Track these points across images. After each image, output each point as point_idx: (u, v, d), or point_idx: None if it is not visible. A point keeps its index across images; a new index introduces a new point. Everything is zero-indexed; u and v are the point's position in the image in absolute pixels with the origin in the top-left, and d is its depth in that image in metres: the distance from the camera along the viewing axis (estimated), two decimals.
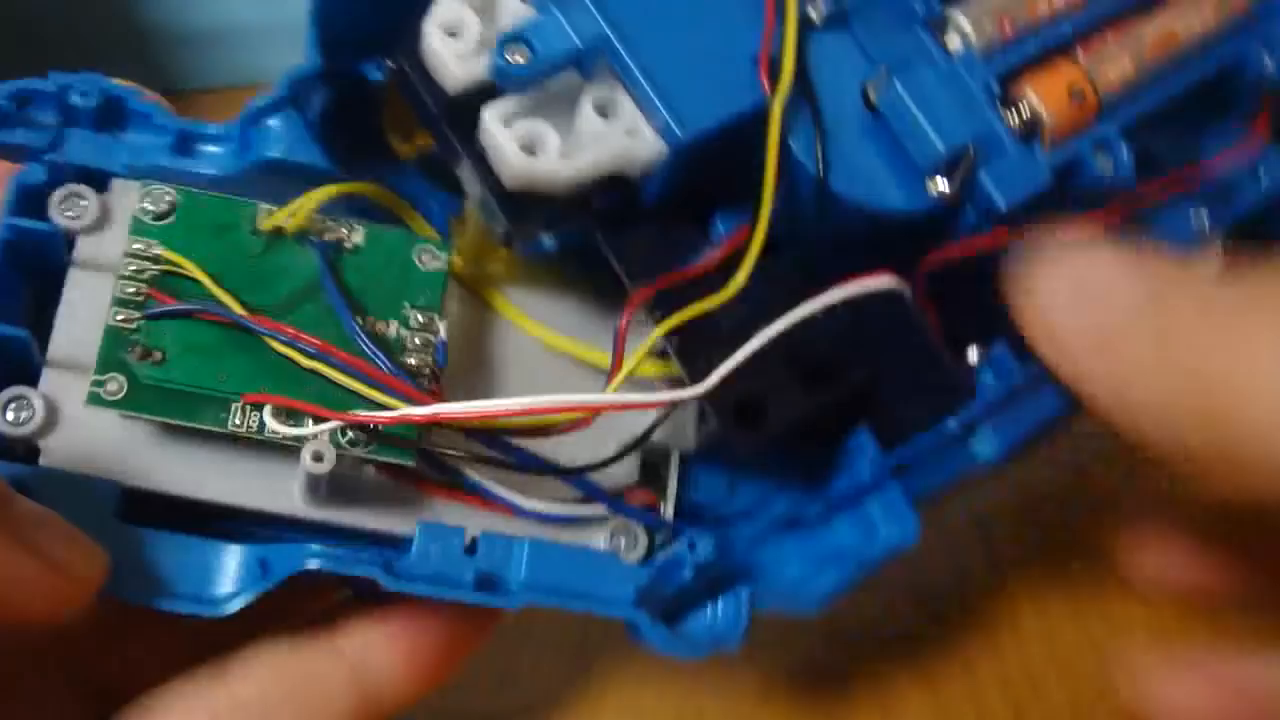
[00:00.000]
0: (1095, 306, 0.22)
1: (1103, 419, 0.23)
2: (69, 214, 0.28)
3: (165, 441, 0.27)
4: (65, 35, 0.50)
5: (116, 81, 0.29)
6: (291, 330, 0.26)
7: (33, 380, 0.27)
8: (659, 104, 0.25)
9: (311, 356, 0.26)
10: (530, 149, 0.26)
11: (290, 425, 0.26)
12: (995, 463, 0.27)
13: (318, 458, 0.26)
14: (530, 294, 0.30)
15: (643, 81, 0.25)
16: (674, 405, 0.27)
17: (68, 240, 0.28)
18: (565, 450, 0.28)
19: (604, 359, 0.29)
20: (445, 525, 0.27)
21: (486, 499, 0.28)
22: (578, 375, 0.30)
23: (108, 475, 0.27)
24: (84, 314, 0.28)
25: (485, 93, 0.26)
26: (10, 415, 0.27)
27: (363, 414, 0.26)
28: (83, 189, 0.28)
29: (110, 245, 0.28)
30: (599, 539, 0.28)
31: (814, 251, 0.27)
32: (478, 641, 0.29)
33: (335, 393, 0.26)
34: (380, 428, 0.26)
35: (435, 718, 0.32)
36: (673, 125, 0.25)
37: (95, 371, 0.26)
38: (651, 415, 0.28)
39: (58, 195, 0.28)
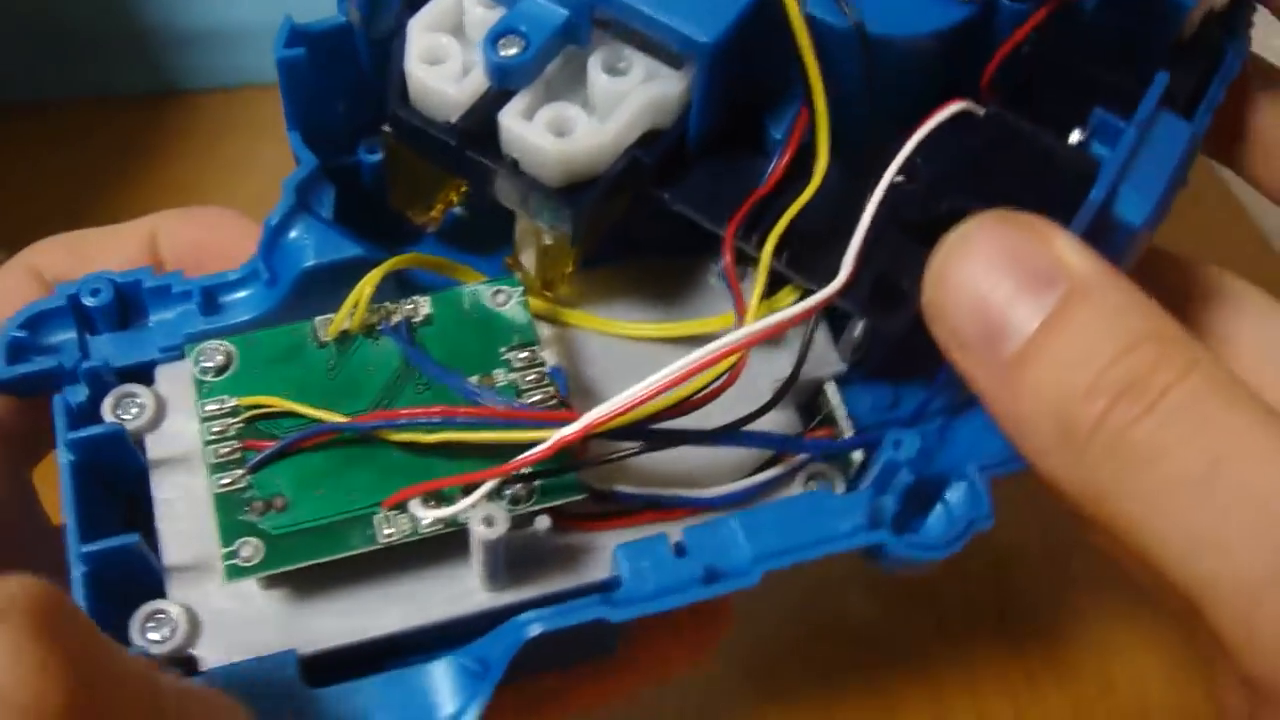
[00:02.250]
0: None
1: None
2: (126, 417, 0.26)
3: (316, 597, 0.25)
4: (65, 35, 0.50)
5: (117, 271, 0.27)
6: (405, 411, 0.24)
7: (157, 588, 0.25)
8: (675, 24, 0.24)
9: (437, 428, 0.24)
10: (561, 132, 0.25)
11: (442, 508, 0.24)
12: (1147, 224, 0.24)
13: (489, 522, 0.23)
14: (601, 303, 0.29)
15: (648, 12, 0.24)
16: (817, 316, 0.25)
17: (135, 439, 0.26)
18: (714, 423, 0.26)
19: (699, 327, 0.28)
20: (642, 540, 0.24)
21: (663, 509, 0.26)
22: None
23: (276, 651, 0.24)
24: (182, 508, 0.25)
25: (491, 105, 0.25)
26: (153, 635, 0.24)
27: (515, 460, 0.23)
28: (132, 388, 0.26)
29: (179, 431, 0.26)
30: (795, 486, 0.26)
31: (870, 123, 0.26)
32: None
33: (471, 461, 0.24)
34: (536, 474, 0.24)
35: None
36: (696, 37, 0.24)
37: (222, 545, 0.24)
38: (788, 355, 0.27)
39: (109, 403, 0.26)
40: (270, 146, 0.41)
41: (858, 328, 0.26)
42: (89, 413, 0.26)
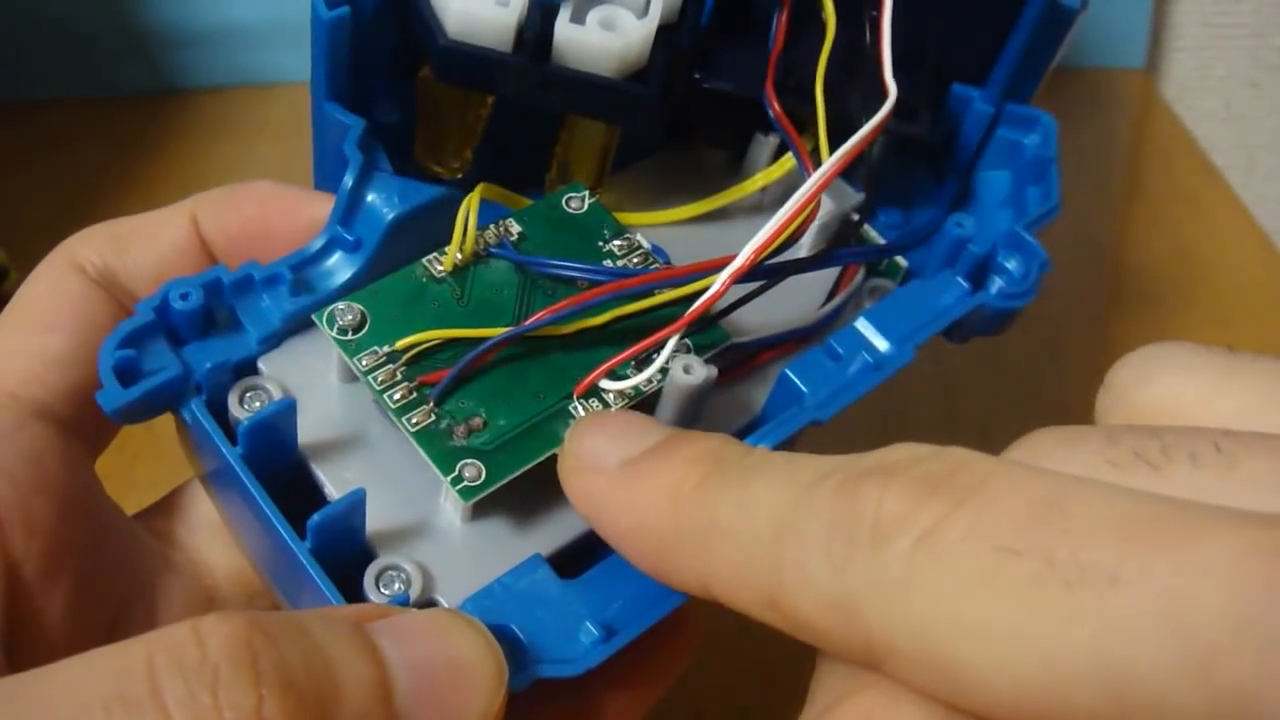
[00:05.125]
0: None
1: None
2: (256, 407, 0.25)
3: (518, 512, 0.26)
4: (66, 35, 0.49)
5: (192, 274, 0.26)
6: (567, 300, 0.26)
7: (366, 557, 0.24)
8: None
9: (607, 305, 0.26)
10: (610, 27, 0.27)
11: (635, 375, 0.25)
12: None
13: (688, 369, 0.25)
14: (640, 199, 0.31)
15: None
16: (889, 118, 0.28)
17: None
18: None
19: (725, 198, 0.31)
20: (799, 358, 0.27)
21: (776, 346, 0.29)
22: (741, 221, 0.31)
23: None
24: (353, 478, 0.25)
25: (536, 22, 0.27)
26: (388, 591, 0.24)
27: (697, 304, 0.25)
28: (251, 380, 0.26)
29: (314, 412, 0.26)
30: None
31: None
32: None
33: (630, 339, 0.26)
34: (686, 335, 0.26)
35: None
36: None
37: (444, 474, 0.24)
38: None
39: (233, 399, 0.25)
40: (270, 146, 0.43)
41: (872, 152, 0.30)
42: (220, 419, 0.25)
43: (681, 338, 0.26)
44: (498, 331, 0.26)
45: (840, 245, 0.31)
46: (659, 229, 0.31)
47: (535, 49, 0.27)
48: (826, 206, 0.30)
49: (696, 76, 0.29)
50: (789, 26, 0.29)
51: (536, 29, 0.27)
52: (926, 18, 0.30)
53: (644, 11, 0.27)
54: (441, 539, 0.25)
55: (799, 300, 0.30)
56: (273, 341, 0.26)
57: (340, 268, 0.27)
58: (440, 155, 0.30)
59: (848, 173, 0.28)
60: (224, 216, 0.27)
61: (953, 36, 0.31)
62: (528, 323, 0.26)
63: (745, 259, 0.25)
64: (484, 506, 0.25)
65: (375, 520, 0.25)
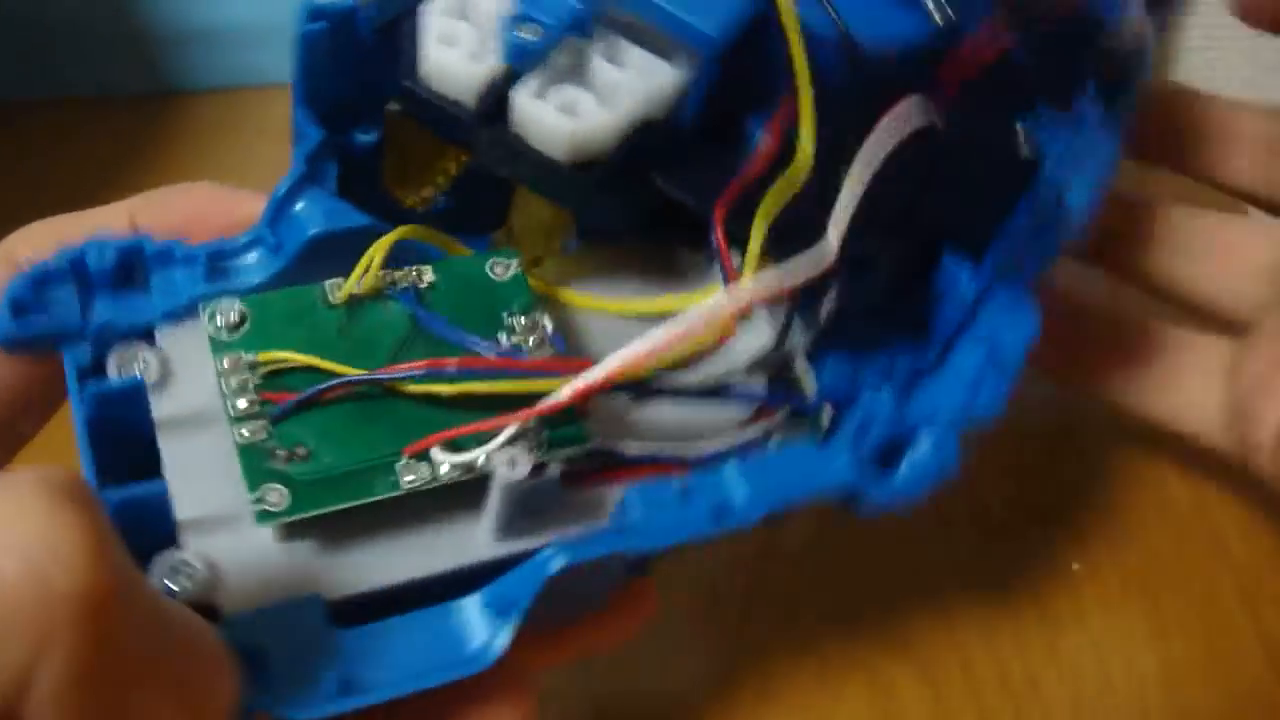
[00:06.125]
0: None
1: None
2: (131, 375, 0.27)
3: (334, 549, 0.26)
4: (66, 35, 0.50)
5: (121, 236, 0.28)
6: (423, 362, 0.26)
7: (171, 543, 0.25)
8: (685, 18, 0.26)
9: (456, 379, 0.26)
10: (570, 112, 0.27)
11: (464, 454, 0.25)
12: (1091, 209, 0.28)
13: (512, 464, 0.25)
14: (586, 283, 0.31)
15: (662, 4, 0.26)
16: (806, 284, 0.27)
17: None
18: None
19: (683, 302, 0.30)
20: (651, 484, 0.26)
21: (660, 464, 0.28)
22: None
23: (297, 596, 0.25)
24: (191, 465, 0.26)
25: (502, 85, 0.27)
26: (172, 584, 0.25)
27: (540, 405, 0.25)
28: (137, 346, 0.27)
29: (185, 391, 0.27)
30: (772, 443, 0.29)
31: (847, 120, 0.29)
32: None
33: (485, 413, 0.26)
34: (544, 427, 0.26)
35: None
36: (706, 30, 0.26)
37: (250, 491, 0.25)
38: (755, 334, 0.29)
39: (114, 361, 0.27)
40: (269, 146, 0.41)
41: (826, 302, 0.29)
42: (93, 372, 0.27)
43: (541, 430, 0.26)
44: (357, 372, 0.26)
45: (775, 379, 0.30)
46: (606, 318, 0.30)
47: (492, 110, 0.27)
48: (759, 339, 0.29)
49: (658, 179, 0.28)
50: (775, 155, 0.28)
51: (499, 91, 0.27)
52: (926, 174, 0.28)
53: (609, 100, 0.27)
54: (248, 549, 0.26)
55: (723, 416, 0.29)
56: (176, 317, 0.28)
57: (257, 267, 0.28)
58: (403, 186, 0.30)
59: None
60: (162, 214, 0.29)
61: (955, 200, 0.29)
62: (382, 372, 0.26)
63: (604, 374, 0.25)
64: (299, 531, 0.26)
65: (194, 507, 0.26)
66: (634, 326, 0.30)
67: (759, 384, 0.29)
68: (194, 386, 0.27)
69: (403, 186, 0.30)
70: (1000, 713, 0.37)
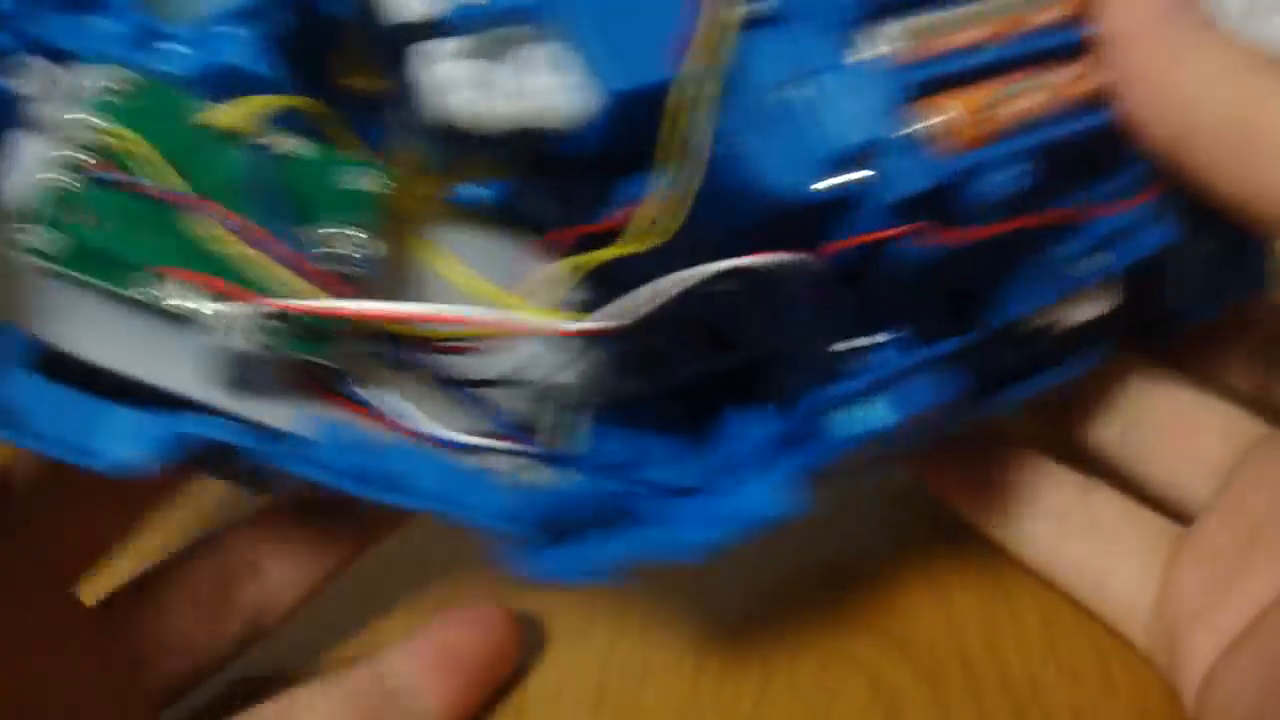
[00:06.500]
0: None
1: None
2: (18, 80, 0.29)
3: (75, 301, 0.28)
4: None
5: None
6: (217, 206, 0.28)
7: None
8: (587, 63, 0.27)
9: (233, 233, 0.27)
10: (476, 86, 0.28)
11: (197, 303, 0.27)
12: (885, 431, 0.28)
13: (223, 325, 0.27)
14: (454, 235, 0.32)
15: (575, 39, 0.27)
16: (574, 334, 0.28)
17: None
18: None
19: (519, 302, 0.31)
20: (349, 425, 0.28)
21: (390, 419, 0.29)
22: None
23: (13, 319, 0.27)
24: (27, 172, 0.28)
25: (436, 29, 0.28)
26: None
27: (281, 301, 0.27)
28: (38, 59, 0.29)
29: (61, 115, 0.29)
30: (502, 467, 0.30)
31: (721, 230, 0.29)
32: (504, 670, 0.35)
33: (250, 283, 0.28)
34: (298, 319, 0.27)
35: None
36: (595, 85, 0.27)
37: (22, 220, 0.27)
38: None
39: (11, 61, 0.29)
40: None
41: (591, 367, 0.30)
42: None
43: (282, 323, 0.27)
44: (176, 181, 0.28)
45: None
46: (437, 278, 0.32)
47: (404, 45, 0.28)
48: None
49: (517, 183, 0.30)
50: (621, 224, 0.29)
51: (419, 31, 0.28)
52: (775, 326, 0.29)
53: (513, 94, 0.28)
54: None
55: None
56: (92, 59, 0.30)
57: (176, 58, 0.29)
58: (347, 65, 0.32)
59: None
60: None
61: (795, 360, 0.30)
62: (189, 198, 0.28)
63: (335, 307, 0.26)
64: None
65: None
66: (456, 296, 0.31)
67: (518, 406, 0.31)
68: (74, 113, 0.29)
69: (350, 67, 0.32)
70: (1000, 713, 0.37)
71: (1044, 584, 0.39)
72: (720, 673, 0.38)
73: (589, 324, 0.27)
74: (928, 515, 0.41)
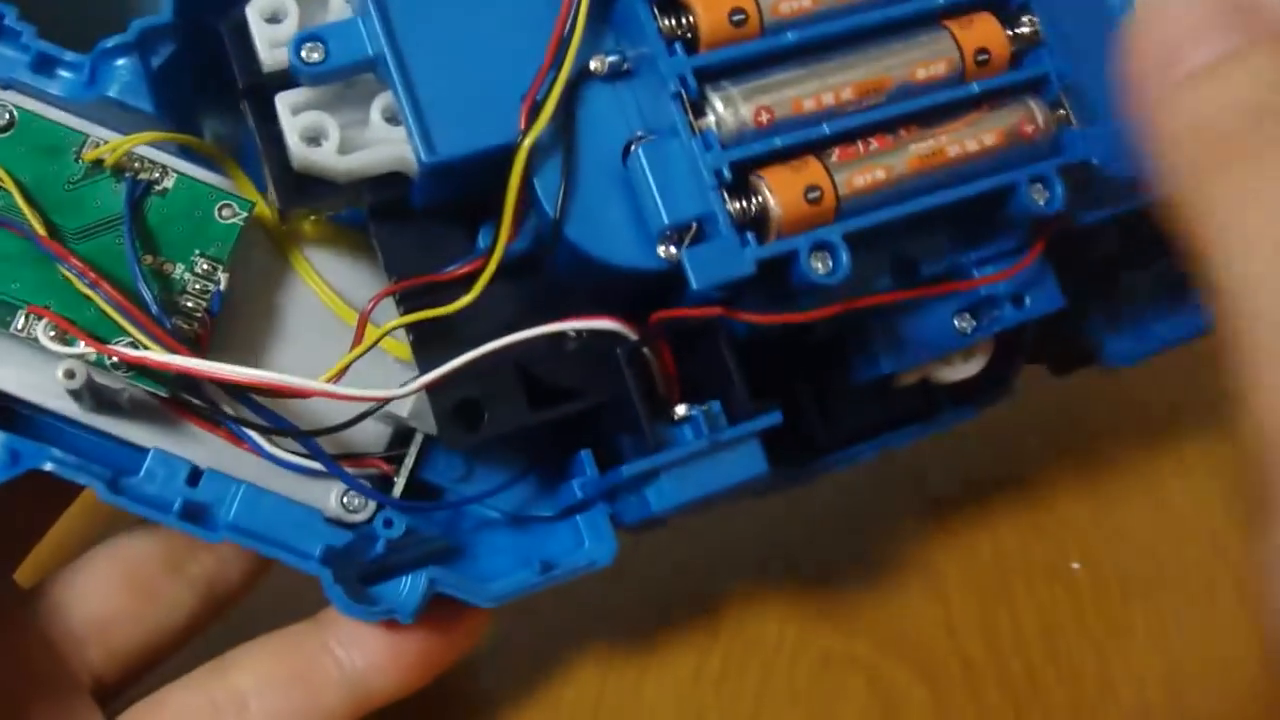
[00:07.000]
0: None
1: None
2: None
3: None
4: (64, 34, 0.52)
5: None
6: (77, 261, 0.29)
7: None
8: (414, 126, 0.27)
9: (88, 287, 0.29)
10: (313, 140, 0.29)
11: (60, 344, 0.29)
12: (661, 513, 0.29)
13: (69, 375, 0.29)
14: (335, 259, 0.33)
15: (405, 101, 0.28)
16: (390, 400, 0.29)
17: None
18: (320, 409, 0.31)
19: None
20: (177, 455, 0.30)
21: (237, 436, 0.31)
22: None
23: None
24: None
25: (287, 78, 0.29)
26: None
27: (119, 350, 0.29)
28: None
29: None
30: (332, 496, 0.31)
31: (558, 285, 0.29)
32: (465, 645, 0.33)
33: (107, 323, 0.29)
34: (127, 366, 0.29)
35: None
36: (420, 148, 0.27)
37: None
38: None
39: None
40: None
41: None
42: None
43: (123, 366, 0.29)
44: (37, 227, 0.30)
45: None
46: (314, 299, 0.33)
47: (259, 90, 0.29)
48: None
49: (372, 226, 0.30)
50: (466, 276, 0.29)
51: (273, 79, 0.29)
52: (599, 389, 0.29)
53: (350, 146, 0.29)
54: None
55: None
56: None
57: (69, 85, 0.31)
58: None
59: None
60: None
61: (617, 423, 0.30)
62: (53, 247, 0.29)
63: (164, 361, 0.28)
64: None
65: None
66: (334, 322, 0.33)
67: (378, 435, 0.32)
68: None
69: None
70: (1000, 713, 0.38)
71: (1044, 584, 0.39)
72: (720, 672, 0.38)
73: (408, 388, 0.28)
74: (927, 514, 0.41)
